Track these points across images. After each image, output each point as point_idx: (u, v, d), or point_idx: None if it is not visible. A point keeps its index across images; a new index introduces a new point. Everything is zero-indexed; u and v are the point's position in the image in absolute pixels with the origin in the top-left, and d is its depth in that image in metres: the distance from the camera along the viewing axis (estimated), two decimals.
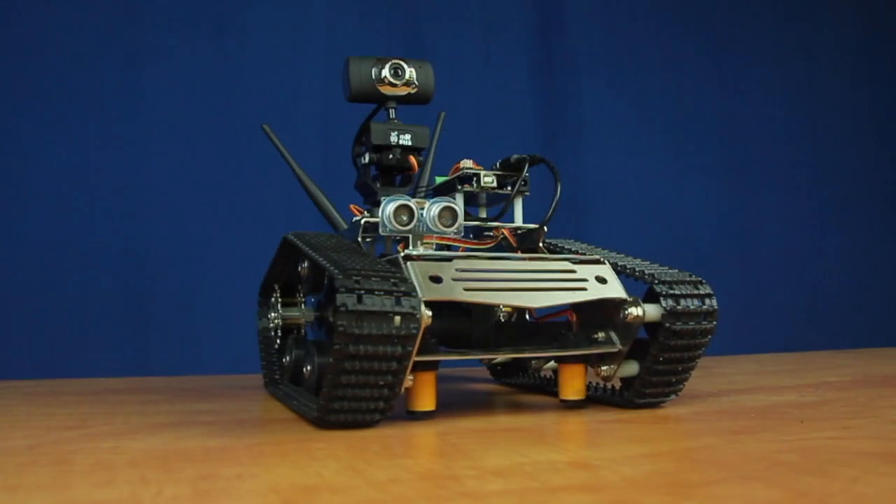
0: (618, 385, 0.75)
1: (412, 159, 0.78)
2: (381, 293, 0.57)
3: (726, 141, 1.62)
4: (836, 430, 0.59)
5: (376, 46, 1.37)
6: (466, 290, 0.64)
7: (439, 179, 0.83)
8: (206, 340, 1.19)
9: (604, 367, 0.72)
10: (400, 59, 0.80)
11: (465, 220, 0.81)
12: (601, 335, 0.74)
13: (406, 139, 0.78)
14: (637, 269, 0.72)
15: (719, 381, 0.97)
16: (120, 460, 0.48)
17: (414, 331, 0.58)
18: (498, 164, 0.82)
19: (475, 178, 0.80)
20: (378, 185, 0.81)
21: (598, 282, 0.70)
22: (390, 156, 0.78)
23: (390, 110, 0.81)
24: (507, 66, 1.45)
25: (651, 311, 0.68)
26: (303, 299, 0.84)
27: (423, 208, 0.69)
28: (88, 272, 1.16)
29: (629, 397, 0.72)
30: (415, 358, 0.62)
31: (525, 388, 0.93)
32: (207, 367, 1.16)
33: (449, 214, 0.69)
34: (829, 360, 1.30)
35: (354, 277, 0.58)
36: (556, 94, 1.49)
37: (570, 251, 0.80)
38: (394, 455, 0.51)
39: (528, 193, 0.83)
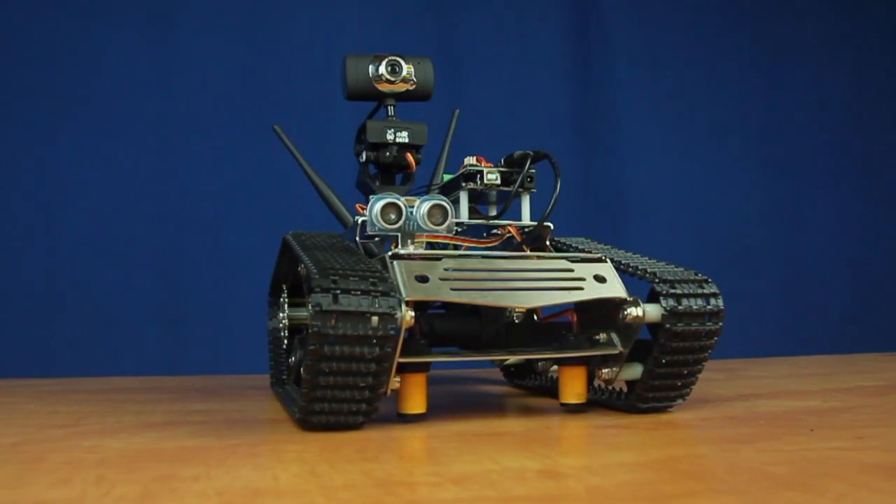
0: (625, 388, 0.72)
1: (409, 156, 0.77)
2: (358, 293, 0.56)
3: (771, 134, 1.55)
4: (846, 440, 0.55)
5: (409, 46, 1.34)
6: (453, 289, 0.62)
7: (447, 178, 0.82)
8: (238, 340, 1.20)
9: (605, 370, 0.70)
10: (397, 56, 0.78)
11: (474, 218, 0.80)
12: (602, 336, 0.71)
13: (403, 136, 0.77)
14: (640, 267, 0.69)
15: (743, 385, 0.92)
16: (90, 459, 0.49)
17: (392, 332, 0.56)
18: (502, 161, 0.80)
19: (479, 176, 0.78)
20: (377, 184, 0.80)
21: (596, 281, 0.67)
22: (387, 153, 0.77)
23: (389, 107, 0.79)
24: (541, 62, 1.43)
25: (651, 312, 0.65)
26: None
27: (412, 206, 0.68)
28: (124, 273, 1.19)
29: (632, 401, 0.69)
30: (399, 359, 0.61)
31: (535, 390, 0.90)
32: (239, 366, 1.17)
33: (438, 212, 0.68)
34: (872, 363, 1.22)
35: (332, 277, 0.57)
36: (593, 90, 1.46)
37: (576, 249, 0.77)
38: (364, 459, 0.49)
39: (534, 190, 0.80)
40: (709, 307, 0.66)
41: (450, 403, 0.79)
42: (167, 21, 1.25)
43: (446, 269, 0.64)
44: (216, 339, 1.22)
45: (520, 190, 0.79)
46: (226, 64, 1.27)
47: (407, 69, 0.78)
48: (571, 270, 0.68)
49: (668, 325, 0.64)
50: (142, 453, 0.51)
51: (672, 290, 0.65)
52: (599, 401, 0.74)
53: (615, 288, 0.67)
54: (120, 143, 1.22)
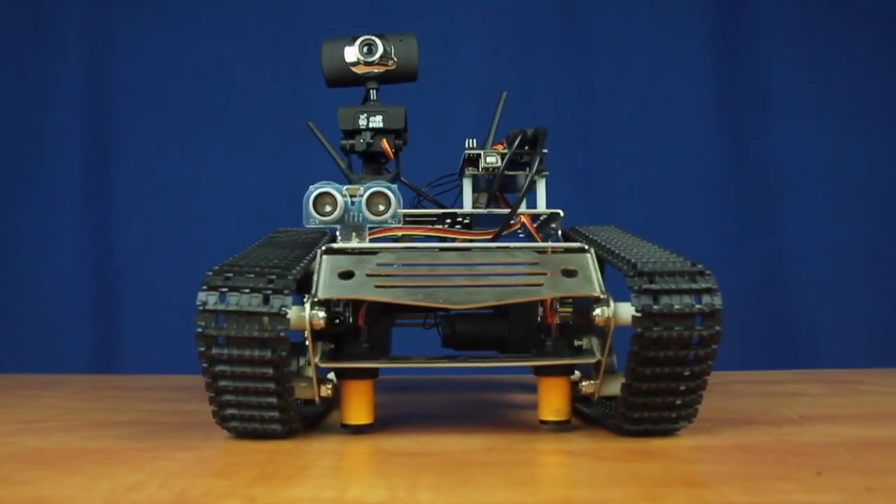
0: None
1: (384, 143, 0.71)
2: (248, 291, 0.51)
3: None
4: (846, 492, 0.39)
5: (537, 37, 1.29)
6: (378, 286, 0.55)
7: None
8: None
9: (584, 382, 0.58)
10: (373, 35, 0.72)
11: (481, 207, 0.72)
12: (585, 342, 0.59)
13: (376, 121, 0.70)
14: (624, 256, 0.56)
15: (833, 403, 0.74)
16: None
17: (283, 333, 0.51)
18: (505, 141, 0.72)
19: (479, 160, 0.71)
20: (360, 175, 0.74)
21: (563, 275, 0.56)
22: (361, 140, 0.71)
23: (370, 91, 0.74)
24: (678, 38, 1.28)
25: (622, 312, 0.52)
26: None
27: (355, 196, 0.61)
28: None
29: (616, 422, 0.57)
30: (319, 363, 0.55)
31: None
32: None
33: (379, 200, 0.60)
34: None
35: (227, 273, 0.52)
36: (739, 65, 1.27)
37: (586, 238, 0.66)
38: (215, 474, 0.44)
39: (546, 173, 0.71)
40: (699, 306, 0.52)
41: (426, 414, 0.71)
42: (293, 33, 1.28)
43: (379, 265, 0.56)
44: None
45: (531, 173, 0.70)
46: None
47: (384, 48, 0.72)
48: (535, 264, 0.57)
49: (640, 330, 0.51)
50: (31, 454, 0.51)
51: (648, 286, 0.52)
52: (596, 416, 0.62)
53: (585, 284, 0.55)
54: (247, 150, 1.26)
